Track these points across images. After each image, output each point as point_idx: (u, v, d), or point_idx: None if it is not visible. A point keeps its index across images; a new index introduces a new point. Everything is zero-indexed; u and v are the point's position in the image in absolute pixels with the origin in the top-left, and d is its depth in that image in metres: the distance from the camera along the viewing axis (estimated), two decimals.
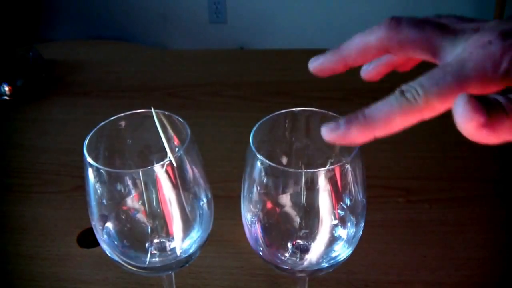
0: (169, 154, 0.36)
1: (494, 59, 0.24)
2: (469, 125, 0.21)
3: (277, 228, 0.41)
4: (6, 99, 0.84)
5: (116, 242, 0.40)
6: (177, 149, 0.40)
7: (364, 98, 0.81)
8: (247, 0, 2.24)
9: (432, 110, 0.24)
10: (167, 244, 0.40)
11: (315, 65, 0.29)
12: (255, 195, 0.38)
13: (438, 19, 0.28)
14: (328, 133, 0.25)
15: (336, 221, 0.38)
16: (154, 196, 0.39)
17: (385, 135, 0.24)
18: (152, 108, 0.39)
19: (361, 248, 0.39)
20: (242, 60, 0.99)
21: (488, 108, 0.21)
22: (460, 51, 0.25)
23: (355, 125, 0.24)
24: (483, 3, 2.10)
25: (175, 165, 0.35)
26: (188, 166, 0.38)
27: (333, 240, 0.38)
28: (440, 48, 0.26)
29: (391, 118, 0.24)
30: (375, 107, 0.24)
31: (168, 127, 0.40)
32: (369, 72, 0.33)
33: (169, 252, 0.40)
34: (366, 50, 0.28)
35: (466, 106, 0.21)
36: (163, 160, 0.36)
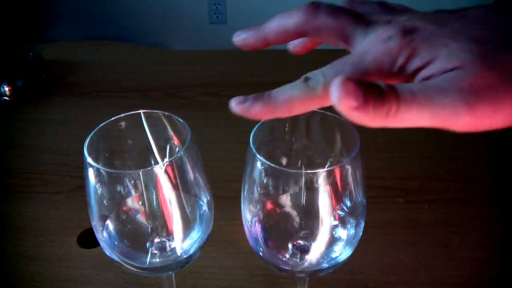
0: (157, 158, 0.36)
1: (391, 54, 0.24)
2: (341, 106, 0.22)
3: (277, 228, 0.41)
4: (6, 99, 0.84)
5: (116, 243, 0.40)
6: (177, 149, 0.40)
7: None
8: (247, 0, 2.24)
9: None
10: (167, 244, 0.40)
11: (238, 39, 0.31)
12: (255, 196, 0.38)
13: (361, 7, 0.29)
14: (235, 105, 0.27)
15: (336, 222, 0.38)
16: (154, 196, 0.39)
17: (285, 116, 0.26)
18: (141, 111, 0.39)
19: (361, 249, 0.39)
20: (242, 61, 0.99)
21: (365, 92, 0.22)
22: (365, 43, 0.26)
23: (259, 103, 0.26)
24: (483, 3, 2.10)
25: (162, 168, 0.35)
26: (188, 167, 0.38)
27: (333, 240, 0.38)
28: (353, 37, 0.27)
29: (291, 103, 0.25)
30: (281, 89, 0.26)
31: (168, 127, 0.40)
32: (296, 46, 0.34)
33: (169, 253, 0.40)
34: (284, 32, 0.29)
35: (340, 88, 0.22)
36: (163, 160, 0.36)
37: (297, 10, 0.28)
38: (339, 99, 0.22)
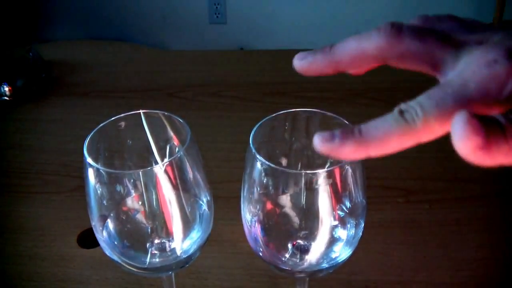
0: (157, 158, 0.36)
1: (499, 80, 0.22)
2: (466, 146, 0.20)
3: (277, 228, 0.41)
4: (6, 99, 0.84)
5: (116, 243, 0.40)
6: (177, 149, 0.40)
7: (364, 98, 0.81)
8: (247, 0, 2.24)
9: (431, 132, 0.22)
10: (167, 244, 0.40)
11: (302, 64, 0.27)
12: (255, 196, 0.38)
13: (439, 25, 0.27)
14: (321, 143, 0.23)
15: (336, 222, 0.38)
16: (154, 196, 0.39)
17: (379, 155, 0.23)
18: (141, 111, 0.39)
19: (361, 249, 0.39)
20: (242, 61, 0.99)
21: (487, 130, 0.20)
22: (462, 68, 0.24)
23: (350, 141, 0.23)
24: (483, 3, 2.10)
25: (162, 168, 0.35)
26: (188, 167, 0.38)
27: (333, 241, 0.38)
28: (442, 62, 0.25)
29: (387, 138, 0.22)
30: (373, 124, 0.23)
31: (168, 127, 0.40)
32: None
33: (169, 253, 0.40)
34: (361, 57, 0.26)
35: (465, 126, 0.20)
36: (163, 160, 0.36)
37: (377, 33, 0.25)
38: (463, 138, 0.20)
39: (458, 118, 0.20)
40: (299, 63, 0.27)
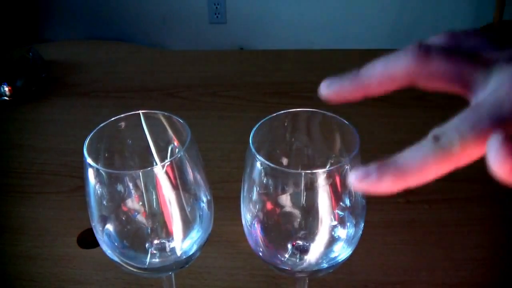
0: (156, 158, 0.36)
1: None
2: (502, 170, 0.20)
3: (276, 228, 0.41)
4: (6, 99, 0.84)
5: (116, 243, 0.40)
6: (177, 150, 0.40)
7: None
8: (247, 0, 2.24)
9: (469, 156, 0.21)
10: (167, 244, 0.40)
11: (329, 92, 0.26)
12: (255, 196, 0.38)
13: (467, 42, 0.26)
14: (358, 181, 0.23)
15: (336, 222, 0.38)
16: (154, 197, 0.39)
17: (419, 184, 0.22)
18: (140, 111, 0.39)
19: (360, 249, 0.39)
20: (242, 61, 0.99)
21: None
22: (495, 87, 0.23)
23: (387, 175, 0.22)
24: (483, 3, 2.10)
25: (162, 169, 0.35)
26: (188, 167, 0.38)
27: (332, 240, 0.38)
28: (472, 81, 0.24)
29: (425, 167, 0.22)
30: (408, 155, 0.22)
31: (168, 128, 0.40)
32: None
33: (169, 253, 0.40)
34: (389, 80, 0.25)
35: (500, 150, 0.19)
36: (163, 161, 0.36)
37: (404, 54, 0.24)
38: (499, 163, 0.19)
39: (492, 142, 0.20)
40: (326, 90, 0.27)
